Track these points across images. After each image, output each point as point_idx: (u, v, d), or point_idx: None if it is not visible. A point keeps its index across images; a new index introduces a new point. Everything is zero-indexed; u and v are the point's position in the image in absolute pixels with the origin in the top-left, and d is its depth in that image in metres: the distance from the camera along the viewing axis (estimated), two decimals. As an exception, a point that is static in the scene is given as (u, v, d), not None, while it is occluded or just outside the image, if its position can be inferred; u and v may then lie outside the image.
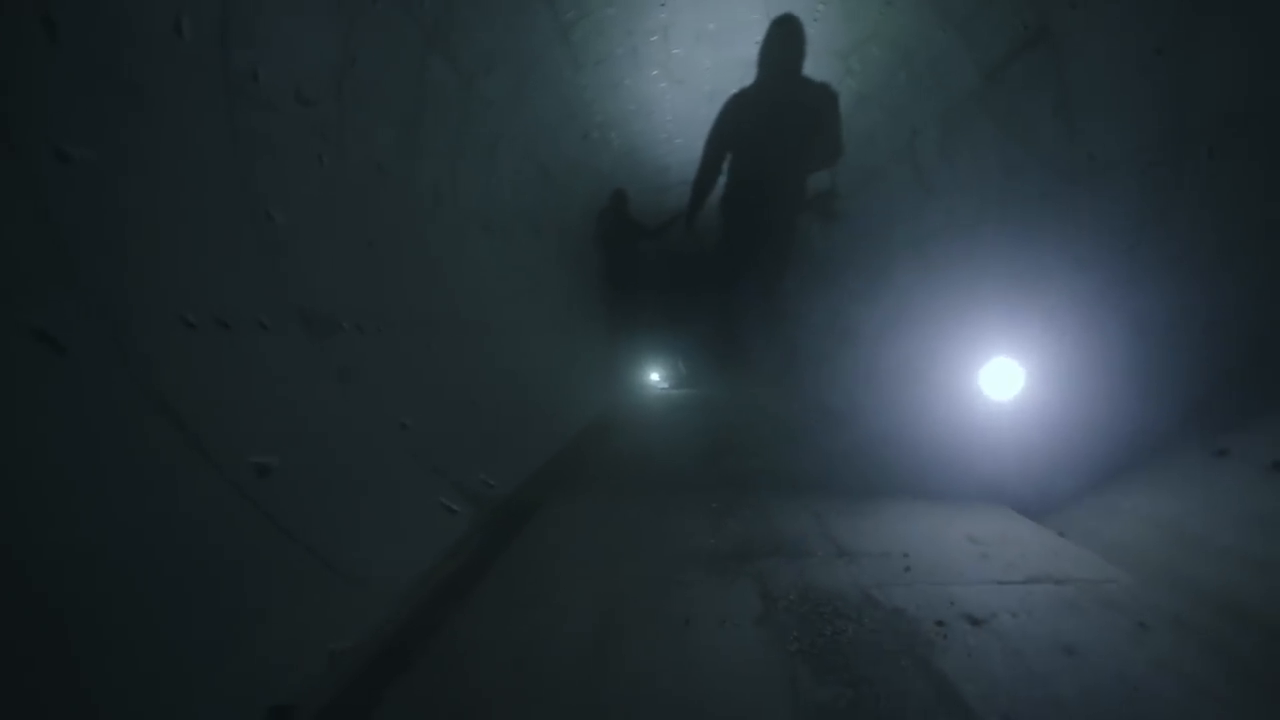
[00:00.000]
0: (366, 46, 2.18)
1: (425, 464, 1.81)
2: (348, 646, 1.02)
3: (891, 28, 3.35)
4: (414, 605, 1.19)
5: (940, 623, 1.06)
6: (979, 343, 2.27)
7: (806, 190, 3.64)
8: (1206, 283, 1.73)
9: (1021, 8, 2.51)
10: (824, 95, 3.24)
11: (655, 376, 5.75)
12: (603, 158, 4.96)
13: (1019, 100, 2.70)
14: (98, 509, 0.91)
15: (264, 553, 1.11)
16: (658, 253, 5.80)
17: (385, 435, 1.74)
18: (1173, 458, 1.52)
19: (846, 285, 4.61)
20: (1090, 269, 2.18)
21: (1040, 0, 2.41)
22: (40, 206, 1.07)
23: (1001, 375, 2.06)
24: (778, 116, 3.24)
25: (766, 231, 3.63)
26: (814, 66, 3.37)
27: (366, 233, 2.22)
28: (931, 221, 3.62)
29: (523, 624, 1.08)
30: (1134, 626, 1.02)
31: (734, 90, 3.55)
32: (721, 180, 3.75)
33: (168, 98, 1.41)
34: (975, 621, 1.06)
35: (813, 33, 3.33)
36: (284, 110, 1.80)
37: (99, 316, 1.11)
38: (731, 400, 4.29)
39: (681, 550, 1.42)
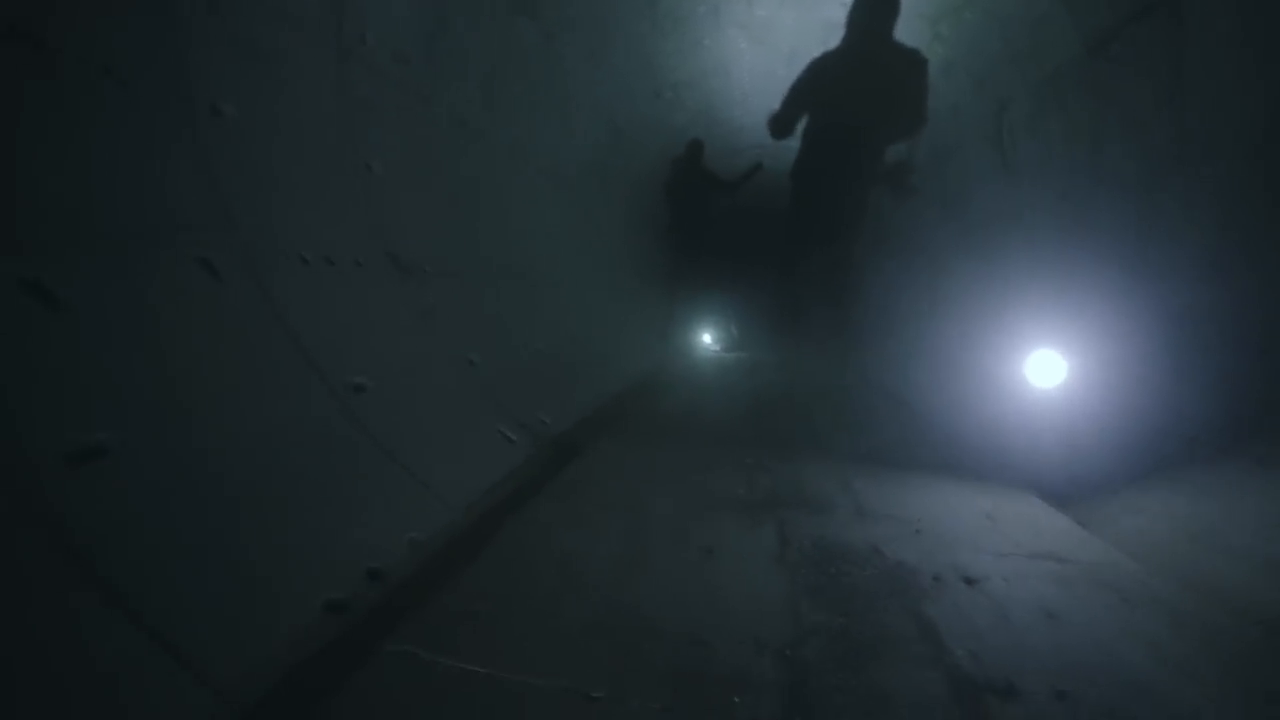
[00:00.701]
0: (458, 6, 2.31)
1: (489, 398, 2.02)
2: (423, 538, 1.23)
3: None
4: (477, 513, 1.40)
5: (937, 578, 1.17)
6: (1028, 332, 2.26)
7: (883, 161, 3.51)
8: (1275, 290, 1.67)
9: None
10: (913, 61, 3.09)
11: (707, 338, 5.82)
12: (677, 116, 4.94)
13: (1127, 74, 2.53)
14: (247, 408, 1.14)
15: (359, 456, 1.34)
16: (725, 213, 5.74)
17: (457, 369, 1.96)
18: (1202, 460, 1.53)
19: (910, 264, 4.51)
20: (1159, 264, 2.11)
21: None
22: (200, 154, 1.29)
23: (1045, 366, 2.06)
24: (861, 81, 3.12)
25: (839, 202, 3.54)
26: (901, 30, 3.24)
27: (449, 184, 2.41)
28: (1007, 203, 3.49)
29: (568, 536, 1.27)
30: (1118, 602, 1.11)
31: (818, 53, 3.46)
32: (796, 145, 3.69)
33: (292, 59, 1.60)
34: (970, 581, 1.17)
35: (903, -7, 3.19)
36: (384, 70, 1.97)
37: (242, 251, 1.33)
38: (780, 367, 4.35)
39: (713, 495, 1.58)
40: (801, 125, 3.53)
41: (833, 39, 3.39)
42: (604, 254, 4.72)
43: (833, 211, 3.61)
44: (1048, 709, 0.82)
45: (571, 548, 1.22)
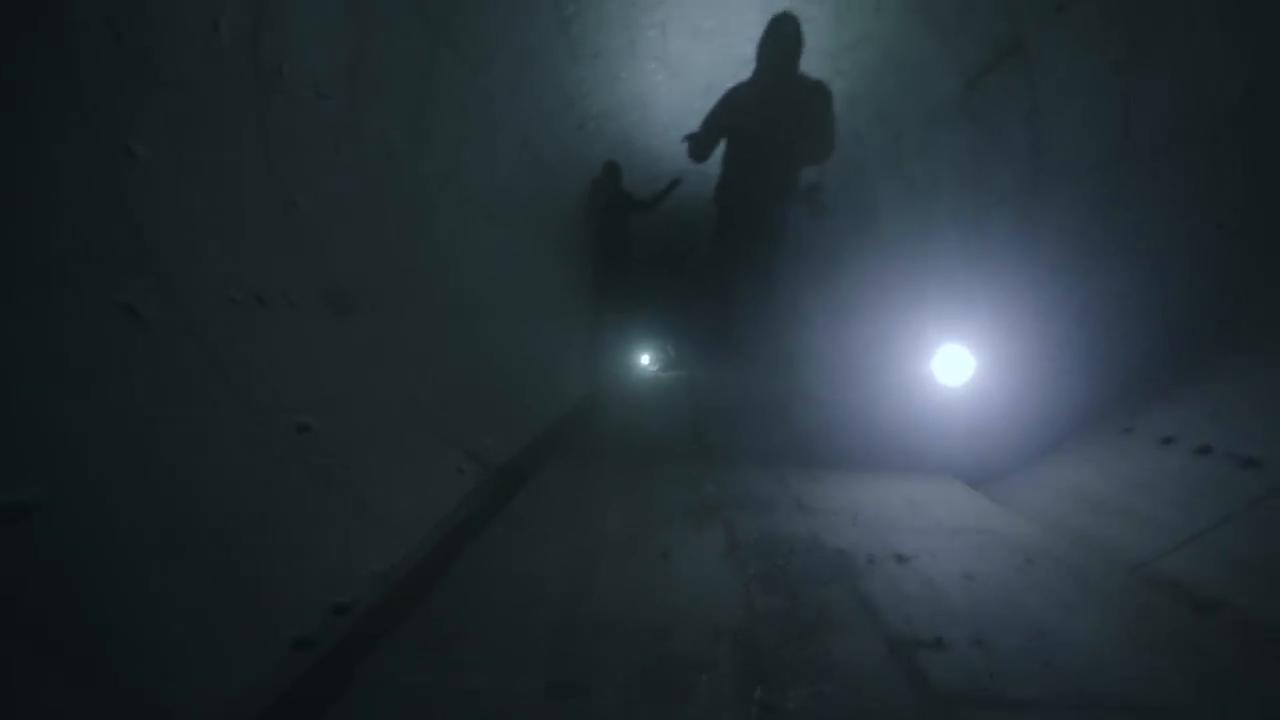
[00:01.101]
0: (377, 39, 2.33)
1: (435, 430, 2.01)
2: (384, 569, 1.23)
3: (881, 33, 3.51)
4: (435, 541, 1.41)
5: (871, 559, 1.29)
6: (936, 332, 2.49)
7: (797, 183, 3.78)
8: (1136, 279, 1.95)
9: (999, 20, 2.69)
10: (818, 92, 3.38)
11: (645, 359, 5.94)
12: (597, 148, 5.10)
13: (994, 108, 2.89)
14: (187, 454, 1.11)
15: (311, 494, 1.32)
16: (648, 238, 5.91)
17: (400, 403, 1.95)
18: (1092, 435, 1.75)
19: (827, 276, 4.83)
20: (1043, 267, 2.40)
21: (1015, 14, 2.59)
22: (119, 199, 1.25)
23: (955, 362, 2.29)
24: (773, 110, 3.38)
25: (759, 221, 3.77)
26: (806, 66, 3.53)
27: (379, 218, 2.40)
28: (910, 219, 3.83)
29: (527, 555, 1.30)
30: (1024, 562, 1.26)
31: (731, 84, 3.70)
32: (716, 170, 3.91)
33: (209, 94, 1.58)
34: (900, 559, 1.29)
35: (806, 32, 3.49)
36: (306, 102, 1.96)
37: (168, 293, 1.30)
38: (716, 383, 4.51)
39: (663, 504, 1.65)
40: (720, 151, 3.77)
41: (744, 73, 3.65)
42: (536, 282, 4.76)
43: (755, 231, 3.82)
44: (968, 654, 0.93)
45: (532, 565, 1.26)
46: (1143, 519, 1.37)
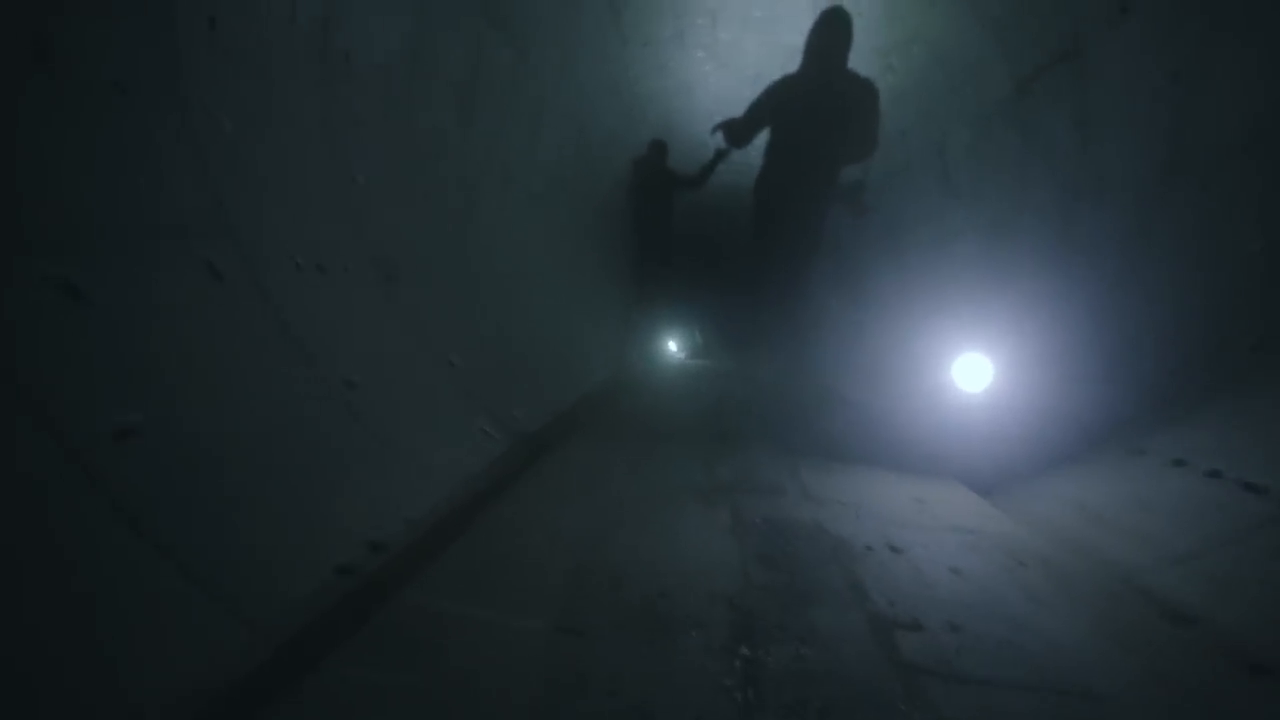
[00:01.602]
0: (434, 24, 2.44)
1: (469, 396, 2.15)
2: (417, 516, 1.36)
3: (932, 30, 3.46)
4: (464, 496, 1.54)
5: (869, 547, 1.37)
6: (957, 338, 2.51)
7: (838, 181, 3.75)
8: (1169, 297, 1.94)
9: (1058, 20, 2.63)
10: (866, 89, 3.35)
11: (672, 345, 6.02)
12: (641, 131, 5.15)
13: (1044, 113, 2.84)
14: (254, 396, 1.26)
15: (355, 443, 1.46)
16: (685, 224, 5.93)
17: (439, 368, 2.08)
18: (1104, 451, 1.78)
19: (863, 278, 4.81)
20: (1073, 279, 2.39)
21: (1076, 14, 2.52)
22: (201, 164, 1.40)
23: (973, 369, 2.31)
24: (819, 104, 3.36)
25: (799, 217, 3.74)
26: (855, 61, 3.51)
27: (427, 195, 2.53)
28: (952, 223, 3.80)
29: (548, 512, 1.42)
30: (1014, 564, 1.32)
31: (779, 75, 3.68)
32: (757, 162, 3.88)
33: (284, 75, 1.71)
34: (895, 549, 1.36)
35: (857, 27, 3.46)
36: (367, 85, 2.09)
37: (242, 256, 1.44)
38: (740, 373, 4.57)
39: (676, 482, 1.75)
40: (764, 141, 3.74)
41: (793, 64, 3.65)
42: (572, 262, 4.87)
43: (793, 226, 3.81)
44: (942, 637, 1.01)
45: (551, 523, 1.37)
46: (1142, 536, 1.41)
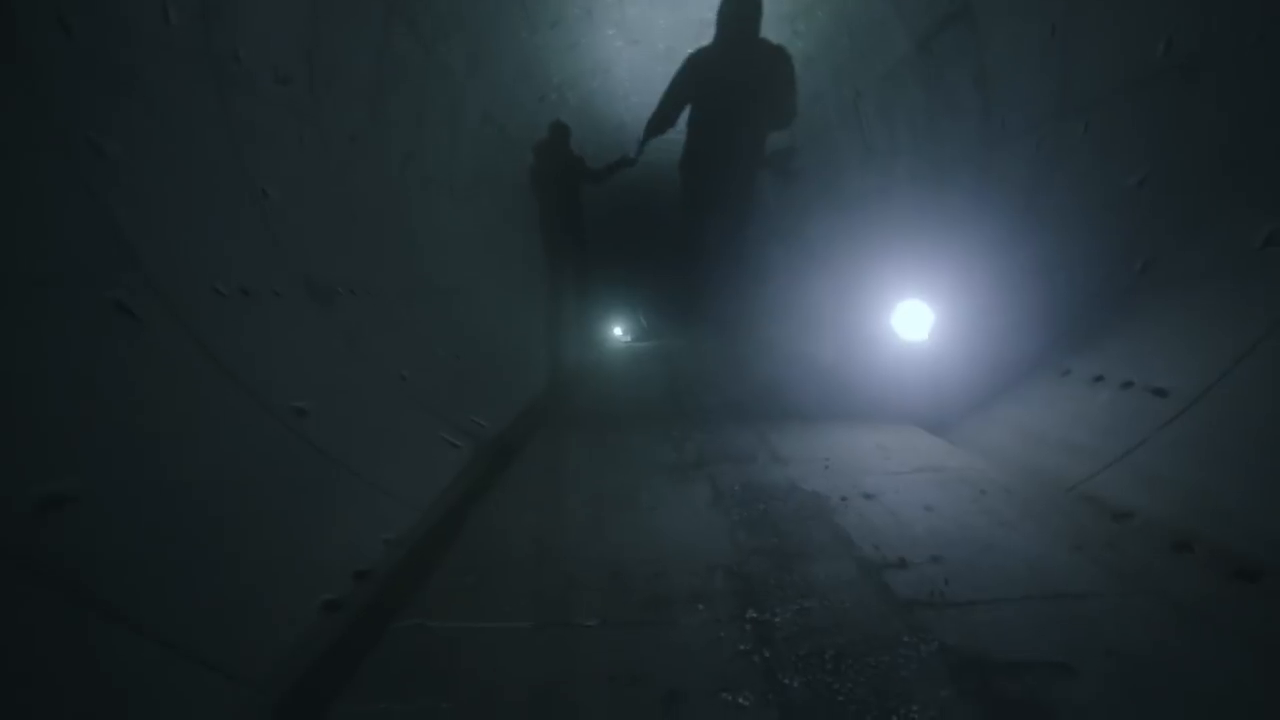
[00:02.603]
0: (332, 19, 2.29)
1: (425, 409, 2.08)
2: (393, 538, 1.32)
3: None
4: (440, 511, 1.50)
5: (844, 498, 1.43)
6: (896, 287, 2.64)
7: (764, 148, 3.78)
8: (1074, 230, 2.10)
9: (944, -17, 2.77)
10: (779, 56, 3.40)
11: (618, 331, 6.01)
12: (560, 116, 5.06)
13: (946, 70, 2.98)
14: (199, 440, 1.17)
15: (318, 473, 1.39)
16: (613, 206, 5.86)
17: (390, 385, 2.00)
18: (1036, 378, 1.92)
19: (795, 237, 4.94)
20: (999, 224, 2.54)
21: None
22: (93, 198, 1.26)
23: (913, 316, 2.43)
24: (735, 75, 3.38)
25: (727, 187, 3.77)
26: (765, 28, 3.55)
27: (348, 203, 2.40)
28: (872, 179, 3.95)
29: (529, 516, 1.41)
30: (977, 493, 1.42)
31: (692, 49, 3.68)
32: (681, 140, 3.87)
33: (165, 84, 1.56)
34: (868, 496, 1.43)
35: (762, -3, 3.47)
36: (264, 90, 1.94)
37: (155, 290, 1.32)
38: (690, 349, 4.63)
39: (650, 464, 1.76)
40: (685, 119, 3.75)
41: (705, 38, 3.65)
42: (504, 257, 4.76)
43: (722, 197, 3.83)
44: (927, 570, 1.07)
45: (536, 522, 1.36)
46: (1077, 448, 1.54)
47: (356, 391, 1.83)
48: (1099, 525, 1.25)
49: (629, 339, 5.98)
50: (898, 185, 3.62)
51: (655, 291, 6.31)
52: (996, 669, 0.81)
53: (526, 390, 3.21)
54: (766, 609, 0.98)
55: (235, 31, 1.80)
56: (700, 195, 3.91)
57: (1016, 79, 2.50)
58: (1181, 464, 1.28)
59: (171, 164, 1.53)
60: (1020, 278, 2.24)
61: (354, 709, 0.78)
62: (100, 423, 1.04)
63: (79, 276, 1.17)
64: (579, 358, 4.50)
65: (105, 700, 0.74)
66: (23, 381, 0.95)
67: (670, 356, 4.41)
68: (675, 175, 4.12)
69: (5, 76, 1.13)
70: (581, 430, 2.24)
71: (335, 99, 2.38)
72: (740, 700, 0.77)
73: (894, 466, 1.66)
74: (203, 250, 1.54)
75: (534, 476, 1.71)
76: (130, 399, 1.13)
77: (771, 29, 3.77)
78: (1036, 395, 1.86)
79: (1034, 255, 2.24)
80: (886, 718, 0.74)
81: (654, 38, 4.49)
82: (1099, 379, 1.66)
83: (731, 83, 3.39)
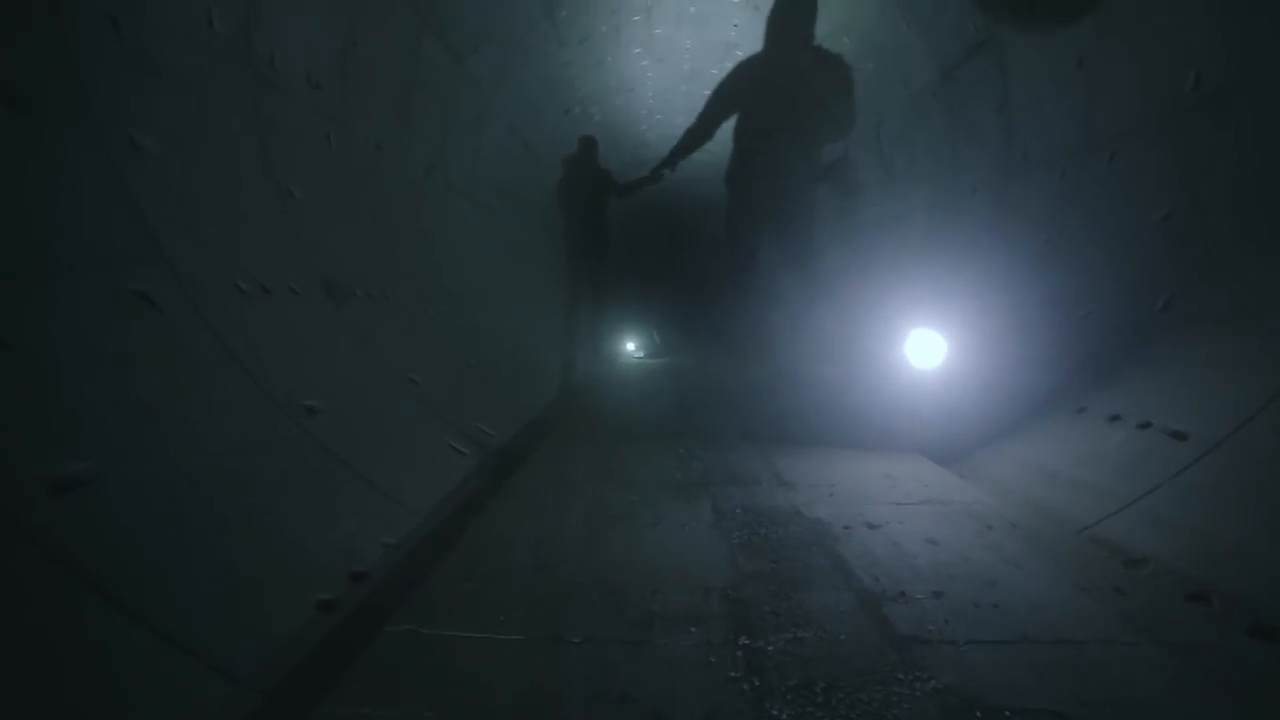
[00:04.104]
0: (366, 28, 2.35)
1: (434, 414, 2.10)
2: (395, 541, 1.32)
3: (860, 21, 3.56)
4: (441, 516, 1.50)
5: (847, 527, 1.41)
6: (908, 316, 2.62)
7: (820, 159, 3.52)
8: (1093, 266, 2.07)
9: (973, 13, 2.78)
10: (835, 64, 3.25)
11: (631, 346, 6.01)
12: (584, 131, 5.11)
13: (969, 98, 2.98)
14: (209, 432, 1.19)
15: (324, 472, 1.40)
16: (636, 221, 5.88)
17: (400, 388, 2.02)
18: (1050, 414, 1.89)
19: (807, 256, 4.92)
20: (1015, 254, 2.52)
21: (989, 6, 2.67)
22: (124, 190, 1.30)
23: (926, 345, 2.41)
24: (786, 84, 3.23)
25: (775, 201, 3.46)
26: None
27: (371, 207, 2.45)
28: (890, 205, 3.94)
29: (530, 525, 1.40)
30: (983, 528, 1.39)
31: (715, 71, 3.57)
32: (727, 153, 3.61)
33: (205, 86, 1.61)
34: (872, 526, 1.41)
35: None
36: (298, 93, 2.00)
37: (179, 282, 1.35)
38: (703, 368, 4.62)
39: (654, 480, 1.75)
40: (732, 131, 3.52)
41: (730, 59, 3.67)
42: (522, 267, 4.80)
43: (773, 210, 3.51)
44: (928, 604, 1.05)
45: (536, 533, 1.36)
46: (1090, 488, 1.51)
47: (367, 392, 1.85)
48: (1108, 569, 1.22)
49: (642, 354, 5.98)
50: (915, 212, 3.61)
51: (670, 307, 6.32)
52: (993, 715, 0.79)
53: (536, 399, 3.22)
54: (760, 636, 0.96)
55: (274, 38, 1.85)
56: (748, 209, 3.62)
57: (1040, 110, 2.49)
58: (1200, 511, 1.25)
59: (204, 161, 1.58)
60: (1037, 310, 2.22)
61: (340, 711, 0.78)
62: (115, 410, 1.06)
63: (103, 266, 1.20)
64: (591, 370, 4.51)
65: (100, 682, 0.75)
66: (41, 365, 0.97)
67: (681, 375, 4.40)
68: (695, 191, 4.08)
69: (52, 72, 1.17)
70: (588, 443, 2.24)
71: (364, 105, 2.44)
72: (727, 728, 0.76)
73: (900, 497, 1.63)
74: (228, 246, 1.58)
75: (537, 487, 1.71)
76: (145, 388, 1.15)
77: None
78: (1050, 431, 1.83)
79: (1051, 288, 2.21)
80: (877, 756, 0.72)
81: (679, 58, 4.55)
82: (1115, 418, 1.62)
83: (781, 91, 3.21)
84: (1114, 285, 1.93)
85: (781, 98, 3.24)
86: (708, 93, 3.61)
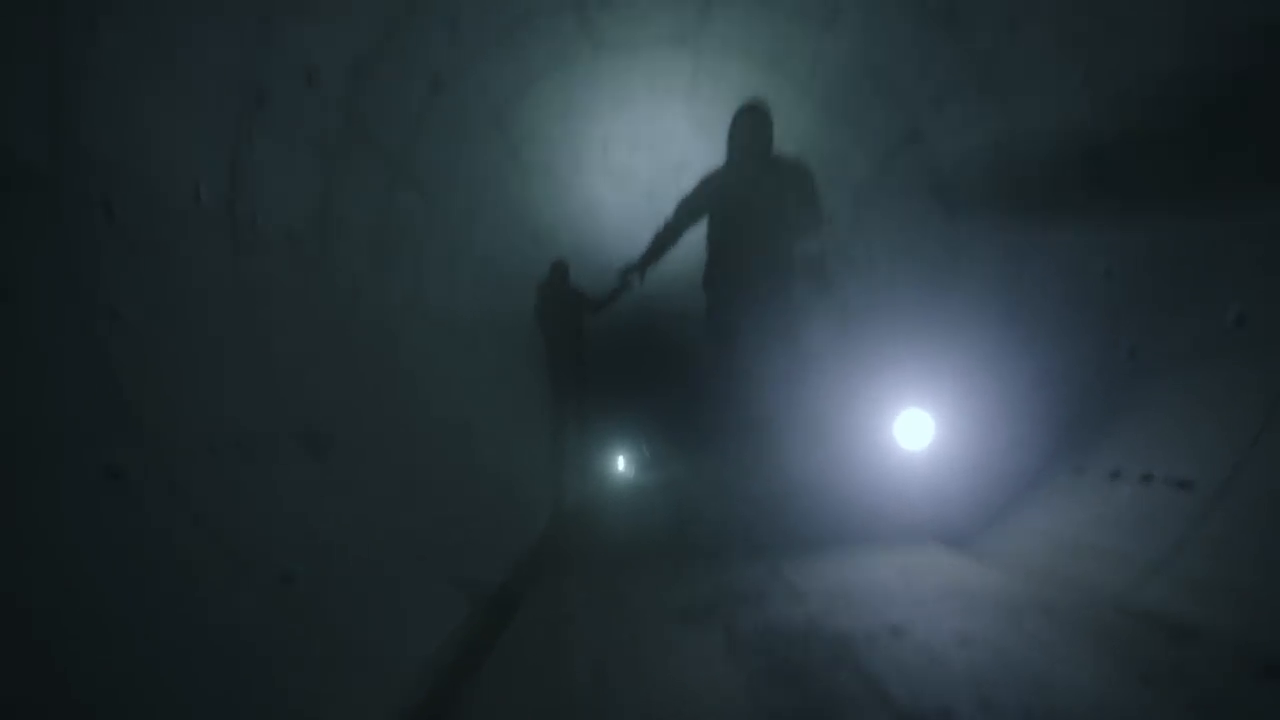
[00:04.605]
0: (342, 181, 2.49)
1: (421, 561, 1.98)
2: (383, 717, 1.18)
3: (799, 127, 3.84)
4: (433, 678, 1.36)
5: (870, 636, 1.30)
6: (898, 396, 2.63)
7: (793, 258, 3.57)
8: (1059, 325, 2.12)
9: (895, 113, 3.06)
10: (796, 166, 3.41)
11: (621, 462, 5.87)
12: (552, 256, 5.32)
13: (907, 186, 3.20)
14: (176, 616, 1.09)
15: (294, 648, 1.28)
16: (615, 338, 5.99)
17: (385, 537, 1.92)
18: (1046, 477, 1.85)
19: (795, 347, 5.01)
20: (981, 323, 2.59)
21: (908, 108, 2.95)
22: (101, 360, 1.29)
23: (915, 425, 2.40)
24: (753, 189, 3.36)
25: (757, 300, 3.49)
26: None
27: (349, 350, 2.46)
28: (854, 293, 4.09)
29: (531, 681, 1.28)
30: (1013, 616, 1.30)
31: (672, 190, 3.76)
32: (697, 262, 3.66)
33: (190, 253, 1.66)
34: (897, 632, 1.31)
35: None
36: (277, 248, 2.06)
37: (150, 450, 1.31)
38: (696, 478, 4.52)
39: (658, 610, 1.64)
40: (703, 238, 3.61)
41: (683, 178, 3.91)
42: (504, 396, 4.80)
43: (752, 309, 3.51)
44: (978, 718, 0.95)
45: (535, 686, 1.23)
46: (1110, 553, 1.44)
47: (349, 547, 1.75)
48: (1160, 648, 1.12)
49: (632, 470, 5.85)
50: (879, 295, 3.75)
51: (657, 419, 6.28)
52: None
53: (527, 531, 3.08)
54: (797, 788, 0.85)
55: (256, 199, 1.94)
56: (726, 309, 3.64)
57: (971, 190, 2.67)
58: (1232, 567, 1.19)
59: (185, 323, 1.59)
60: (1016, 374, 2.24)
61: None
62: (78, 601, 0.98)
63: (74, 440, 1.17)
64: (582, 493, 4.38)
65: None
66: (8, 558, 0.90)
67: (675, 488, 4.29)
68: (669, 303, 4.17)
69: (45, 258, 1.21)
70: (584, 576, 2.11)
71: (342, 252, 2.52)
72: None
73: (919, 593, 1.53)
74: (204, 406, 1.55)
75: (534, 634, 1.58)
76: (106, 569, 1.07)
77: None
78: (1054, 498, 1.78)
79: (1022, 352, 2.26)
80: None
81: (637, 183, 4.88)
82: (1116, 474, 1.59)
83: (745, 197, 3.36)
84: (1080, 339, 1.97)
85: (746, 204, 3.41)
86: (666, 209, 3.81)
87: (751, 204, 3.41)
